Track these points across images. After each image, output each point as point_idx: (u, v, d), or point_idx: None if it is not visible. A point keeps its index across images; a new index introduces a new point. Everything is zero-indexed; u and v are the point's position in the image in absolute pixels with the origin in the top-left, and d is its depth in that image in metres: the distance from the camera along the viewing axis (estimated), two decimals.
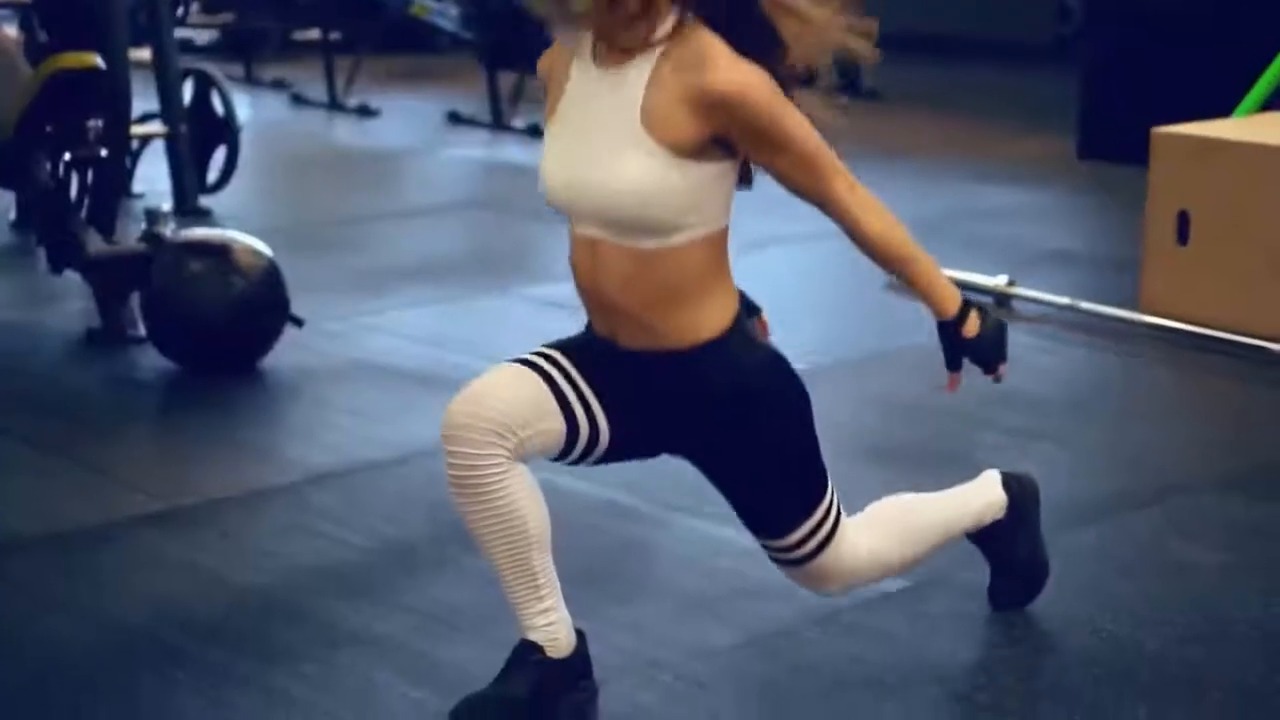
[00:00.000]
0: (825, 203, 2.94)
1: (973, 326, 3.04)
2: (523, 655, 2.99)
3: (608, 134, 2.81)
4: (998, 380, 3.10)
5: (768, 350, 2.98)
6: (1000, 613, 3.45)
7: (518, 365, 2.94)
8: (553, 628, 3.00)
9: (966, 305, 3.05)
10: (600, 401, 2.93)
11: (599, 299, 2.91)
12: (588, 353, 2.96)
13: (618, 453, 3.01)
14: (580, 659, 3.04)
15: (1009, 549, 3.43)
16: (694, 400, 2.93)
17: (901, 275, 3.04)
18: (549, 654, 2.98)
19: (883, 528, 3.21)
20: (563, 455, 2.97)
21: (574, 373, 2.93)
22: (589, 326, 3.01)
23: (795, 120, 2.84)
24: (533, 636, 2.99)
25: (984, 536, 3.42)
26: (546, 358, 2.95)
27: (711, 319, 2.90)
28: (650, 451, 3.06)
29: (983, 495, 3.39)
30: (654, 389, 2.93)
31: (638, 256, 2.82)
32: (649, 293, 2.84)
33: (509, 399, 2.87)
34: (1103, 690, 3.15)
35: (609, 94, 2.81)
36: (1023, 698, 3.13)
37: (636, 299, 2.85)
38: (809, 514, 3.03)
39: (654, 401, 2.94)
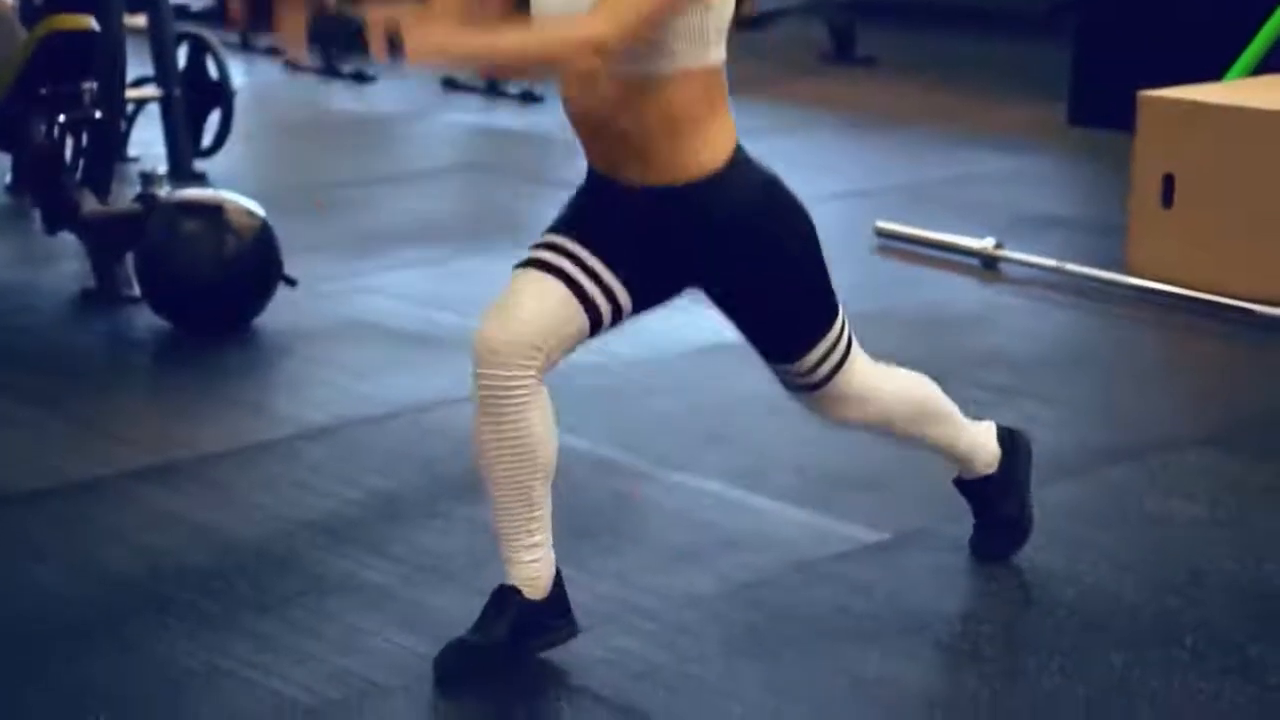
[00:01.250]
0: None
1: None
2: (502, 599, 3.05)
3: None
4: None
5: (770, 177, 3.02)
6: (980, 564, 3.50)
7: (534, 273, 2.98)
8: (537, 565, 3.06)
9: None
10: (615, 272, 2.98)
11: (595, 129, 2.94)
12: (591, 217, 3.01)
13: (641, 308, 3.07)
14: (558, 598, 3.09)
15: (996, 502, 3.49)
16: (702, 233, 2.97)
17: None
18: (528, 595, 3.04)
19: (902, 384, 3.35)
20: (592, 337, 3.05)
21: (584, 254, 2.97)
22: (589, 174, 3.05)
23: None
24: (514, 574, 3.05)
25: (972, 487, 3.48)
26: (554, 249, 2.99)
27: (711, 151, 2.94)
28: (670, 293, 3.11)
29: (980, 438, 3.46)
30: (661, 229, 2.97)
31: (629, 85, 2.86)
32: (647, 120, 2.88)
33: (534, 315, 2.95)
34: (1080, 638, 3.21)
35: None
36: (1001, 646, 3.19)
37: (634, 126, 2.89)
38: (821, 337, 3.12)
39: (663, 242, 2.99)
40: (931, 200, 6.59)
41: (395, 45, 2.79)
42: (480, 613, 3.06)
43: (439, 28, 2.89)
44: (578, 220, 3.03)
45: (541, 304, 2.95)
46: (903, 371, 3.38)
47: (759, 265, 3.01)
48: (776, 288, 3.05)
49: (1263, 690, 3.02)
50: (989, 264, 5.68)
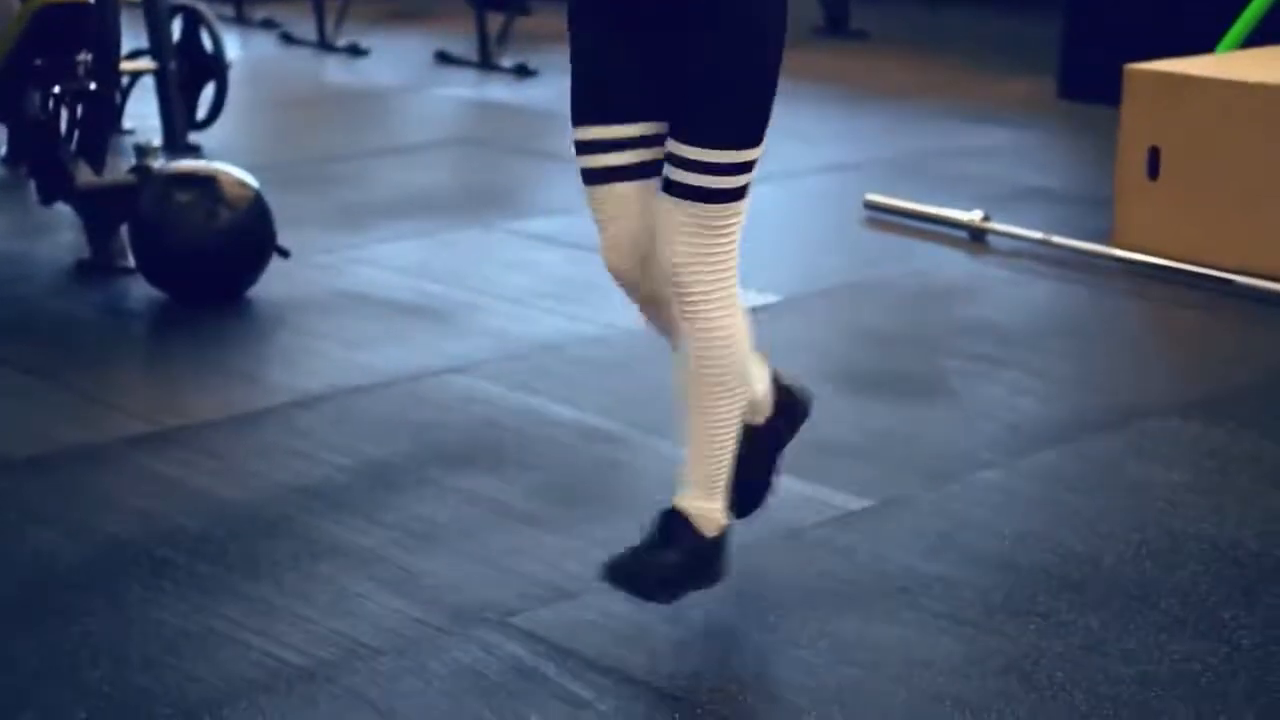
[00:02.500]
0: None
1: None
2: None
3: None
4: None
5: None
6: (961, 531, 3.56)
7: (596, 190, 3.07)
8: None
9: None
10: (641, 116, 3.01)
11: None
12: (596, 79, 3.02)
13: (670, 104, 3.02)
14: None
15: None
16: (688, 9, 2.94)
17: None
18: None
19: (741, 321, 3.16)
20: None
21: (616, 133, 3.01)
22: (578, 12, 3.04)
23: None
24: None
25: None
26: (593, 147, 3.03)
27: None
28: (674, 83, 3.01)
29: (756, 385, 3.32)
30: (662, 19, 2.95)
31: None
32: None
33: (628, 243, 3.09)
34: (1057, 601, 3.27)
35: None
36: (979, 608, 3.24)
37: None
38: (742, 144, 2.97)
39: (664, 34, 2.96)
40: (920, 173, 6.64)
41: None
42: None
43: None
44: (590, 97, 3.04)
45: (628, 226, 3.06)
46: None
47: (724, 34, 2.92)
48: (731, 59, 2.93)
49: (1233, 651, 3.08)
50: (976, 236, 5.74)
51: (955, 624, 3.18)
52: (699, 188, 2.95)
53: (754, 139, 2.98)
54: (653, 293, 3.12)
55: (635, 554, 3.09)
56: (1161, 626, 3.17)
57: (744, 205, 3.00)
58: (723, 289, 2.99)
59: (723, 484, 3.12)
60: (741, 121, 2.97)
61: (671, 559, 3.08)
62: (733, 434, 3.10)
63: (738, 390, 3.08)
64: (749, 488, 3.39)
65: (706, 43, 2.94)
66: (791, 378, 3.51)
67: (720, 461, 3.10)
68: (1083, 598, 3.28)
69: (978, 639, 3.13)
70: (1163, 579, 3.36)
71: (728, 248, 2.99)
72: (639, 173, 3.03)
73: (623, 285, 3.15)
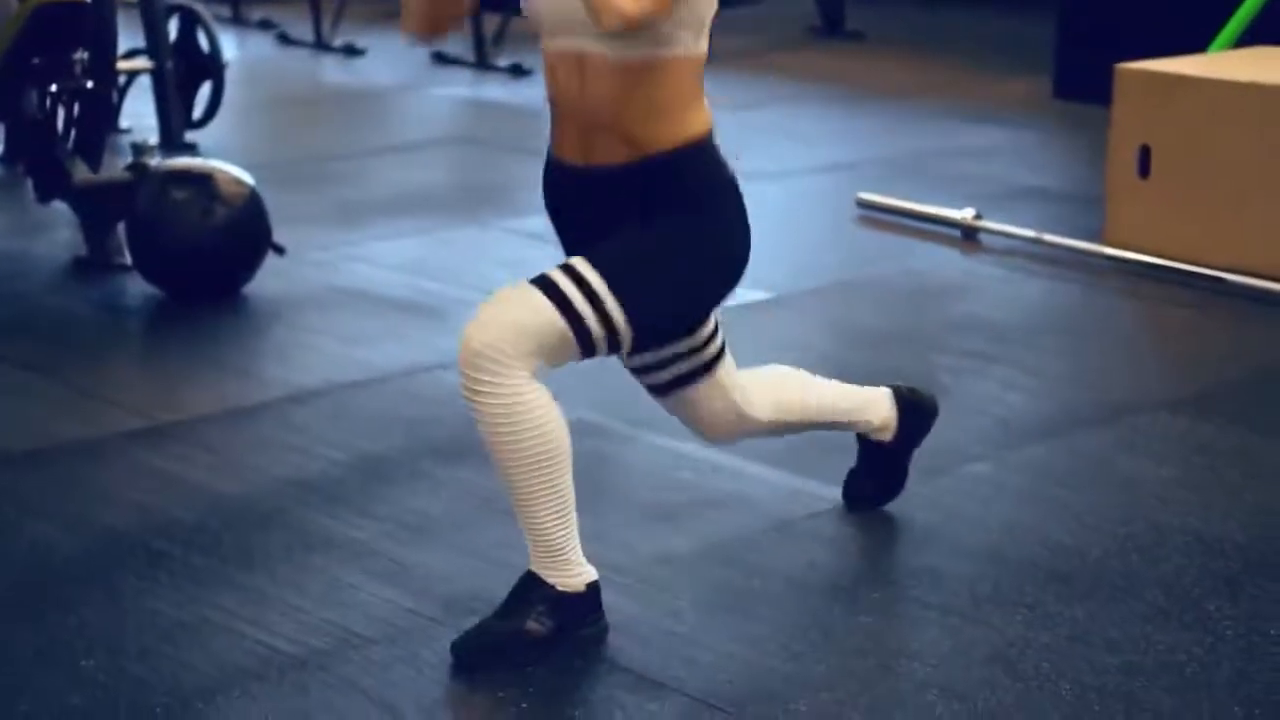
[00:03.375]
0: None
1: None
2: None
3: None
4: None
5: (728, 178, 3.04)
6: (950, 523, 3.59)
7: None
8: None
9: None
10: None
11: (583, 116, 2.98)
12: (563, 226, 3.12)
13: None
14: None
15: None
16: (639, 198, 2.99)
17: None
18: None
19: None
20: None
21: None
22: (552, 170, 3.11)
23: None
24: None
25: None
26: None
27: (693, 126, 2.99)
28: None
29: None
30: (613, 198, 3.01)
31: (628, 69, 2.91)
32: (638, 106, 2.93)
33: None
34: (1044, 593, 3.30)
35: None
36: (967, 599, 3.27)
37: (626, 112, 2.94)
38: (672, 337, 3.10)
39: (610, 211, 3.02)
40: (914, 172, 6.67)
41: None
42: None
43: None
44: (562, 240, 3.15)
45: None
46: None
47: (661, 221, 2.98)
48: (661, 246, 3.00)
49: (1217, 641, 3.11)
50: (969, 234, 5.77)
51: (943, 615, 3.22)
52: (565, 298, 2.93)
53: (686, 327, 3.12)
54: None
55: (484, 627, 3.04)
56: (1147, 618, 3.20)
57: (571, 347, 2.95)
58: (521, 383, 2.93)
59: (560, 553, 3.03)
60: (671, 315, 3.06)
61: (519, 625, 3.02)
62: (547, 508, 3.01)
63: (530, 470, 3.00)
64: (886, 488, 3.61)
65: (652, 231, 2.99)
66: (911, 388, 3.61)
67: (543, 535, 3.02)
68: (1069, 589, 3.31)
69: (965, 629, 3.16)
70: (1149, 571, 3.39)
71: (530, 355, 2.93)
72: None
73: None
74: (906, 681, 2.98)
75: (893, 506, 3.65)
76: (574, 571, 3.04)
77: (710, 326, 3.22)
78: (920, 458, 3.76)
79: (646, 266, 2.99)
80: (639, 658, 3.04)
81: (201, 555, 3.42)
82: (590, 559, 3.11)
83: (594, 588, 3.06)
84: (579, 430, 4.06)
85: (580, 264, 2.96)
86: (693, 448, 3.96)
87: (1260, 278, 5.18)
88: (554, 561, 3.02)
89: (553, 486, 2.98)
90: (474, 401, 2.93)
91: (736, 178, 3.07)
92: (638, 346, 3.05)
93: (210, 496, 3.71)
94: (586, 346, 2.96)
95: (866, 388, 3.56)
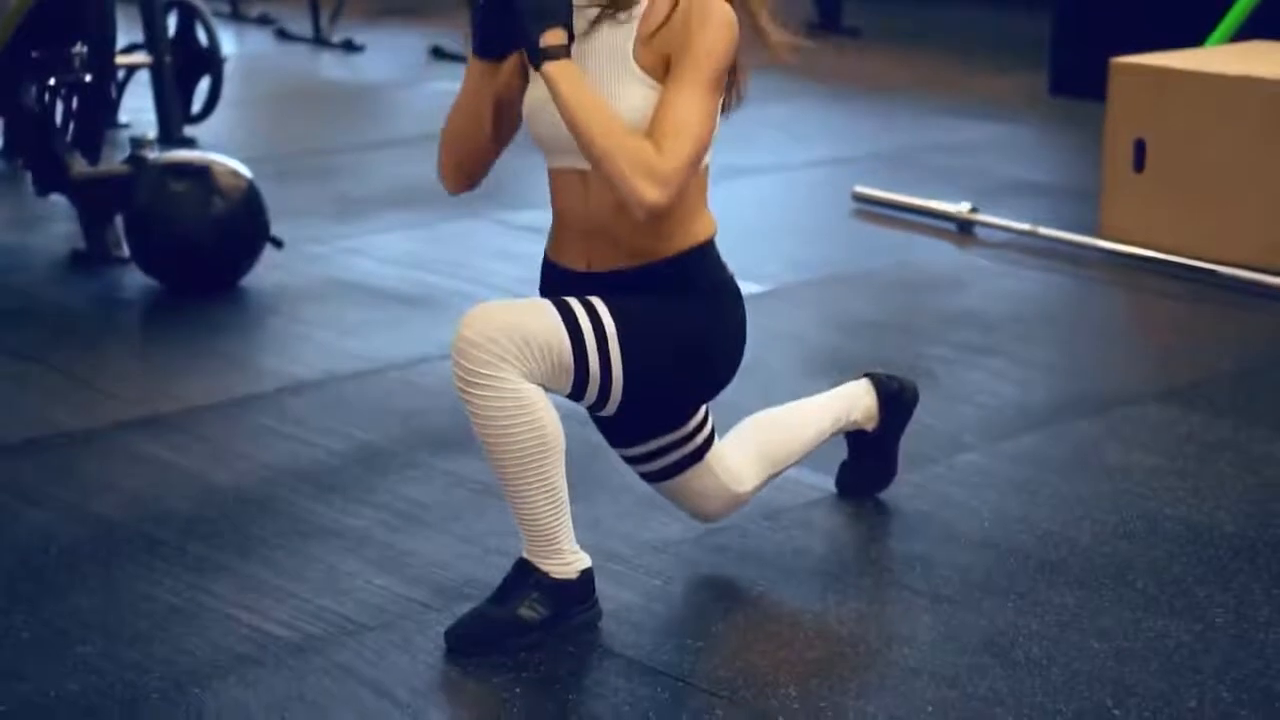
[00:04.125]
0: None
1: None
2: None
3: (605, 67, 2.96)
4: None
5: (725, 280, 3.11)
6: (942, 512, 3.61)
7: None
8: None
9: None
10: None
11: (588, 230, 3.03)
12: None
13: None
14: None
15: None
16: (663, 287, 3.04)
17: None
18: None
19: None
20: None
21: None
22: (547, 273, 3.15)
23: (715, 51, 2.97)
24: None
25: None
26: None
27: (696, 233, 3.05)
28: None
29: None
30: (622, 291, 3.04)
31: None
32: (639, 221, 2.94)
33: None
34: (1035, 580, 3.32)
35: (606, 30, 2.97)
36: (958, 586, 3.30)
37: (629, 228, 2.98)
38: (662, 432, 3.21)
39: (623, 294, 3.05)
40: (911, 166, 6.69)
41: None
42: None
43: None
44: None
45: None
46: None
47: (669, 302, 3.03)
48: (669, 321, 3.04)
49: (1207, 628, 3.13)
50: (964, 228, 5.79)
51: (934, 602, 3.24)
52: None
53: (675, 424, 3.19)
54: None
55: (477, 613, 3.06)
56: (1137, 605, 3.23)
57: (566, 374, 2.98)
58: (515, 382, 2.94)
59: (554, 543, 3.04)
60: (660, 414, 3.17)
61: (510, 611, 3.04)
62: (540, 500, 3.02)
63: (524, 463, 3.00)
64: (878, 476, 3.64)
65: (640, 332, 3.01)
66: (887, 373, 3.65)
67: (537, 526, 3.03)
68: (1060, 577, 3.34)
69: (955, 616, 3.18)
70: (1139, 559, 3.41)
71: (529, 361, 2.94)
72: None
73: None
74: (897, 667, 3.00)
75: (884, 495, 3.68)
76: (567, 559, 3.06)
77: (700, 416, 3.27)
78: (912, 447, 3.79)
79: (655, 334, 3.02)
80: (632, 643, 3.06)
81: (198, 543, 3.45)
82: (584, 546, 3.14)
83: (587, 575, 3.08)
84: (575, 420, 4.10)
85: (600, 305, 3.00)
86: None
87: (1252, 270, 5.21)
88: (547, 550, 3.05)
89: (545, 480, 2.99)
90: (466, 393, 2.94)
91: (734, 279, 3.13)
92: (619, 411, 3.07)
93: (207, 485, 3.73)
94: (579, 381, 2.98)
95: (845, 386, 3.59)
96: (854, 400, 3.58)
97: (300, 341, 4.69)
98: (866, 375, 3.64)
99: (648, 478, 3.34)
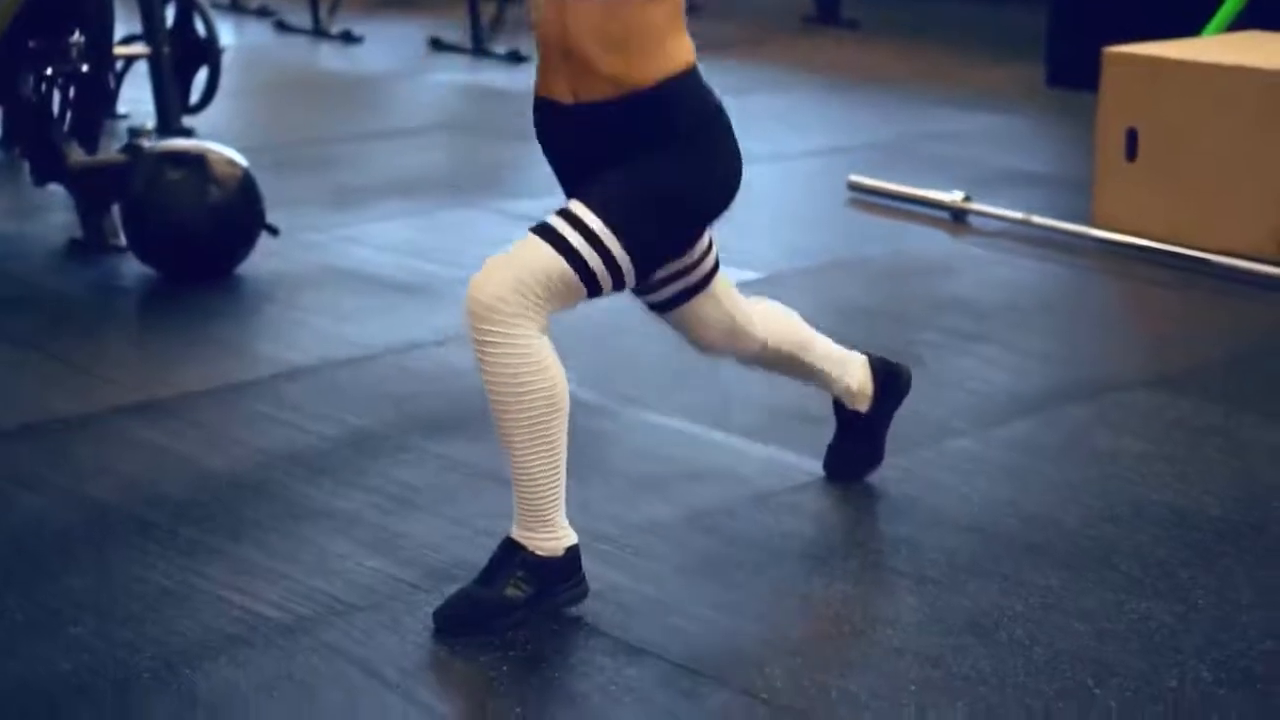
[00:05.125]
0: None
1: None
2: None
3: None
4: None
5: (714, 105, 3.12)
6: (929, 495, 3.64)
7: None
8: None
9: None
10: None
11: (566, 54, 3.05)
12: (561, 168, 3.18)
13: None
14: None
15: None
16: (630, 135, 3.06)
17: None
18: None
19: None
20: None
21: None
22: (540, 112, 3.18)
23: None
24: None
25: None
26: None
27: (675, 59, 3.06)
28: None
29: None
30: (602, 135, 3.07)
31: (606, 7, 2.98)
32: (616, 36, 2.99)
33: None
34: (1020, 563, 3.35)
35: None
36: (943, 568, 3.32)
37: (604, 49, 3.01)
38: (620, 229, 3.05)
39: (598, 147, 3.08)
40: (906, 156, 6.72)
41: None
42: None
43: None
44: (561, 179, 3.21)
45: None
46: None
47: (650, 156, 3.05)
48: (652, 180, 3.06)
49: (1189, 610, 3.16)
50: (958, 216, 5.81)
51: (919, 583, 3.26)
52: (558, 235, 3.01)
53: (634, 239, 3.04)
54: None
55: (464, 592, 3.09)
56: (1120, 586, 3.25)
57: (581, 291, 3.04)
58: (525, 334, 2.99)
59: (545, 513, 3.08)
60: (636, 216, 3.05)
61: (498, 591, 3.07)
62: (541, 463, 3.06)
63: (533, 423, 3.04)
64: (865, 460, 3.66)
65: (640, 162, 3.06)
66: (884, 358, 3.68)
67: (533, 491, 3.07)
68: (1045, 559, 3.36)
69: (940, 597, 3.21)
70: (1124, 542, 3.44)
71: (540, 302, 3.00)
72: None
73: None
74: (881, 647, 3.03)
75: (873, 479, 3.70)
76: (556, 535, 3.09)
77: (704, 244, 3.30)
78: (901, 431, 3.82)
79: (639, 201, 3.06)
80: (619, 623, 3.09)
81: (191, 526, 3.47)
82: (576, 528, 3.17)
83: (573, 553, 3.11)
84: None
85: (576, 207, 3.04)
86: (679, 423, 4.02)
87: (1243, 259, 5.23)
88: (537, 523, 3.08)
89: (550, 443, 3.04)
90: (482, 353, 3.00)
91: (721, 104, 3.14)
92: (641, 277, 3.12)
93: (201, 469, 3.76)
94: (592, 286, 3.05)
95: (847, 351, 3.63)
96: (853, 366, 3.62)
97: (296, 328, 4.72)
98: (864, 355, 3.66)
99: (655, 308, 3.37)
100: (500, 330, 2.97)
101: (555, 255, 3.01)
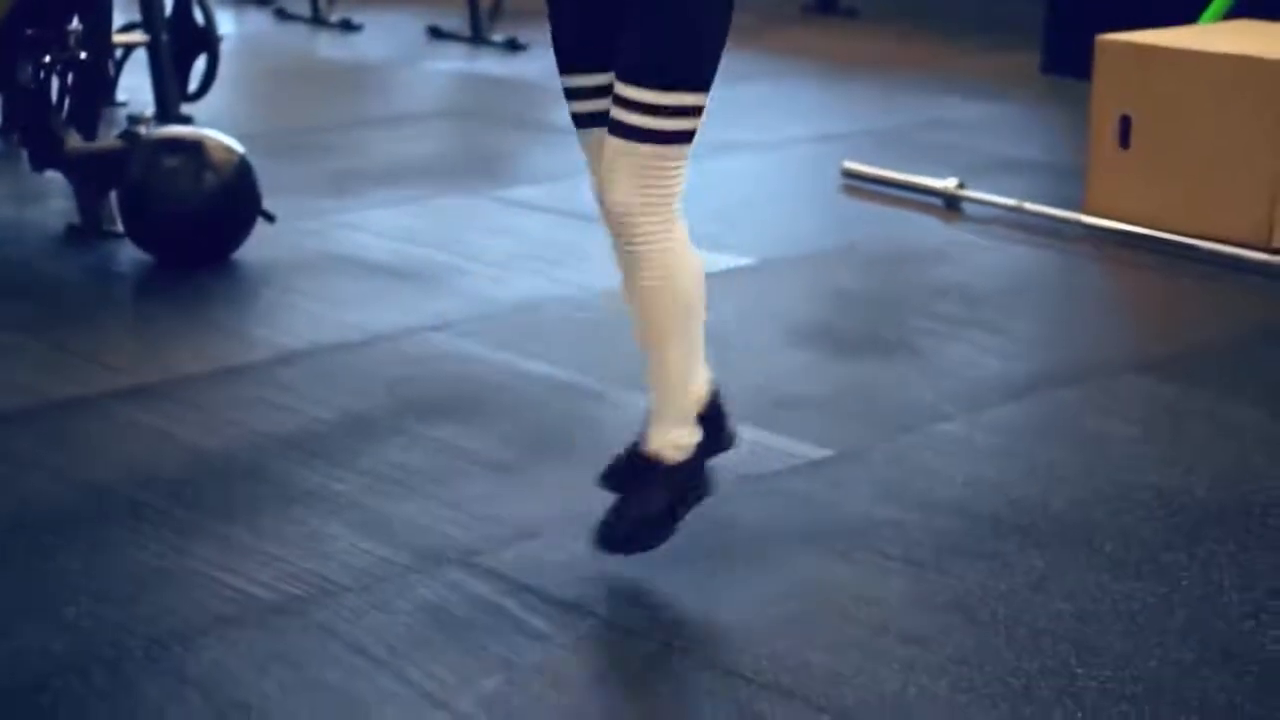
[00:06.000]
0: None
1: None
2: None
3: None
4: None
5: None
6: (916, 478, 3.67)
7: (581, 135, 3.23)
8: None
9: None
10: (609, 66, 3.13)
11: None
12: (571, 32, 3.18)
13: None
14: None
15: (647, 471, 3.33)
16: None
17: None
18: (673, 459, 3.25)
19: (689, 262, 3.21)
20: None
21: (592, 82, 3.17)
22: None
23: None
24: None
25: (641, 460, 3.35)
26: (576, 95, 3.20)
27: None
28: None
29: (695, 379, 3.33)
30: None
31: None
32: None
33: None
34: (1006, 544, 3.38)
35: None
36: (930, 550, 3.36)
37: None
38: (682, 85, 3.05)
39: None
40: (901, 144, 6.74)
41: None
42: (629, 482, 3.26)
43: None
44: (568, 48, 3.21)
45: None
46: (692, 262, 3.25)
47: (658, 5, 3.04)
48: (675, 27, 3.05)
49: (1172, 591, 3.19)
50: (951, 203, 5.84)
51: (905, 564, 3.30)
52: (639, 128, 3.05)
53: (694, 82, 3.07)
54: None
55: (617, 512, 3.22)
56: (1104, 568, 3.28)
57: (685, 150, 3.10)
58: (664, 230, 3.11)
59: (686, 412, 3.25)
60: (682, 64, 3.06)
61: (652, 504, 3.22)
62: (687, 366, 3.23)
63: (689, 326, 3.20)
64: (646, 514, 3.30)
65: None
66: (728, 411, 3.41)
67: (679, 391, 3.24)
68: (1031, 541, 3.39)
69: (926, 577, 3.24)
70: (1109, 524, 3.47)
71: (667, 190, 3.10)
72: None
73: (607, 222, 3.17)
74: (865, 627, 3.06)
75: (861, 461, 3.74)
76: (693, 432, 3.26)
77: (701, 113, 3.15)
78: (891, 416, 3.86)
79: (672, 45, 3.06)
80: (606, 603, 3.13)
81: (184, 508, 3.51)
82: (566, 510, 3.20)
83: (701, 449, 3.27)
84: (562, 390, 4.18)
85: (625, 90, 3.05)
86: None
87: (1233, 245, 5.26)
88: (679, 421, 3.23)
89: (690, 336, 3.19)
90: (634, 252, 3.11)
91: None
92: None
93: (195, 452, 3.79)
94: (690, 136, 3.10)
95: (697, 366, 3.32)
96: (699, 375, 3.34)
97: (291, 313, 4.75)
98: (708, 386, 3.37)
99: (615, 129, 3.09)
100: (641, 231, 3.09)
101: (647, 146, 3.05)
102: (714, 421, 3.34)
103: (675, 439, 3.26)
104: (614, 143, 3.08)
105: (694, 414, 3.27)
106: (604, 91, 3.16)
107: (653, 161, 3.07)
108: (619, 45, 3.09)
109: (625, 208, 3.09)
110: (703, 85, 3.09)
